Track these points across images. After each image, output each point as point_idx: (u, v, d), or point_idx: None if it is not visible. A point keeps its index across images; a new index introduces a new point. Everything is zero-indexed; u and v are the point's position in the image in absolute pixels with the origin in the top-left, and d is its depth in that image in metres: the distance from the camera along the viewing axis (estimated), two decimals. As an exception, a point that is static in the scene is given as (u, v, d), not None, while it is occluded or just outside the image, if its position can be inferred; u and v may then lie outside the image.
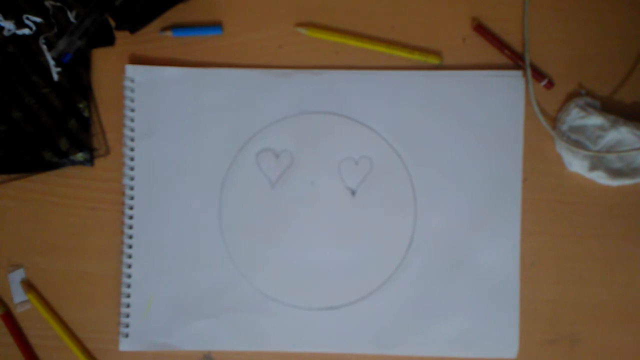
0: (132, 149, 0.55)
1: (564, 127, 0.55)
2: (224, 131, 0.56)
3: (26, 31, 0.54)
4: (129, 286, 0.55)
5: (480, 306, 0.55)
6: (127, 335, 0.55)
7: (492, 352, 0.55)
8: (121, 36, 0.56)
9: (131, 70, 0.55)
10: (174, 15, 0.56)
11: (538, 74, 0.56)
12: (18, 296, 0.55)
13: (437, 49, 0.56)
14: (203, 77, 0.56)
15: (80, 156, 0.55)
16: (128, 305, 0.55)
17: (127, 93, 0.55)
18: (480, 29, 0.56)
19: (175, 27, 0.56)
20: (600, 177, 0.55)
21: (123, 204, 0.56)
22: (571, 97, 0.56)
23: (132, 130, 0.55)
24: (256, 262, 0.55)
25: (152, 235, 0.55)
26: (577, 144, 0.55)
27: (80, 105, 0.55)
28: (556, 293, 0.56)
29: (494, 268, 0.55)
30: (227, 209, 0.56)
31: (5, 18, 0.54)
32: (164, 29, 0.56)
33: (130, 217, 0.55)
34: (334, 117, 0.56)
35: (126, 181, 0.55)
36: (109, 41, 0.55)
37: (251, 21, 0.56)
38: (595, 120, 0.54)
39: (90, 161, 0.55)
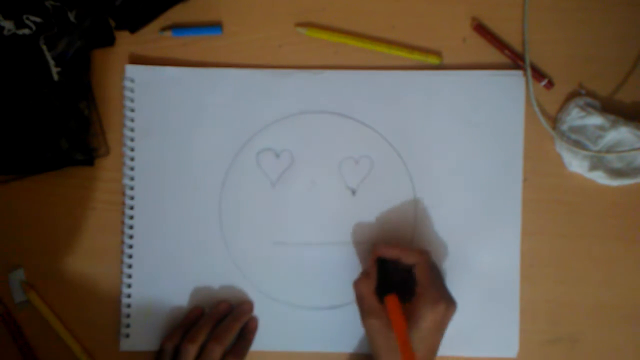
0: (132, 149, 0.55)
1: (564, 127, 0.55)
2: (224, 131, 0.56)
3: (26, 31, 0.54)
4: (129, 286, 0.55)
5: (480, 306, 0.55)
6: (127, 335, 0.55)
7: (492, 351, 0.55)
8: (121, 36, 0.56)
9: (131, 70, 0.55)
10: (173, 15, 0.56)
11: (538, 74, 0.56)
12: (18, 296, 0.55)
13: (437, 49, 0.56)
14: (203, 77, 0.55)
15: (80, 156, 0.55)
16: (128, 305, 0.55)
17: (127, 93, 0.55)
18: (480, 29, 0.56)
19: (175, 27, 0.56)
20: (600, 177, 0.55)
21: (123, 204, 0.56)
22: (571, 97, 0.56)
23: (132, 130, 0.55)
24: (256, 261, 0.55)
25: (152, 235, 0.55)
26: (577, 144, 0.55)
27: (80, 105, 0.55)
28: (556, 293, 0.56)
29: (494, 268, 0.55)
30: (227, 209, 0.55)
31: (5, 18, 0.54)
32: (164, 29, 0.56)
33: (131, 217, 0.55)
34: (334, 117, 0.56)
35: (126, 181, 0.55)
36: (109, 41, 0.55)
37: (251, 21, 0.56)
38: (595, 120, 0.54)
39: (90, 161, 0.55)
